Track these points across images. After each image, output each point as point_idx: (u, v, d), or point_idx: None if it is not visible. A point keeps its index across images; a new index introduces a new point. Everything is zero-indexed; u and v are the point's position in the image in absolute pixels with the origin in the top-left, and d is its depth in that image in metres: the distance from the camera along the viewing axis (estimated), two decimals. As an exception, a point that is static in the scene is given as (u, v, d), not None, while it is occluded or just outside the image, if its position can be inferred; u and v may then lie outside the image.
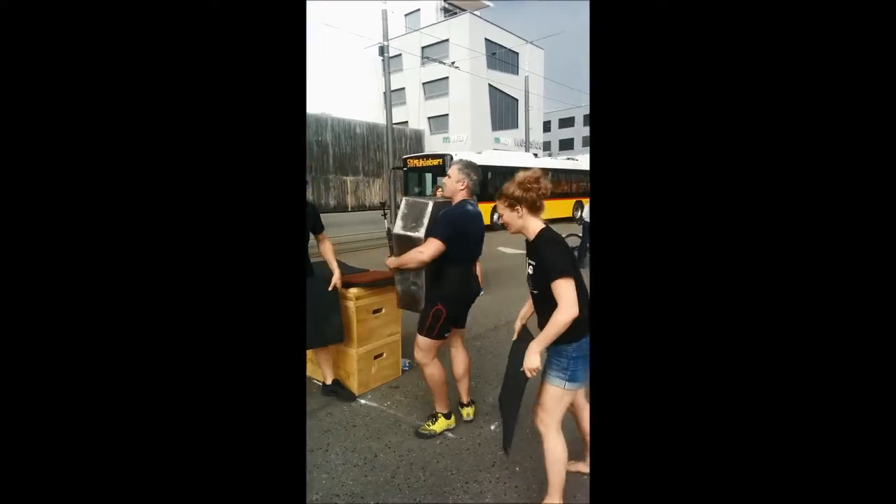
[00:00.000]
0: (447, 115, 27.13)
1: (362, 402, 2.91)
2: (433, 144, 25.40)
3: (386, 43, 14.17)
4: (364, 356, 2.99)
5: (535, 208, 1.78)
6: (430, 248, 2.26)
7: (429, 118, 27.60)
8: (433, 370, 2.47)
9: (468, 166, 2.41)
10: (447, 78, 25.94)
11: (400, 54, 23.93)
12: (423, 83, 27.54)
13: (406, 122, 26.72)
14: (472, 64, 23.05)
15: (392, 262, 2.45)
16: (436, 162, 13.57)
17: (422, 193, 13.97)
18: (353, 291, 2.91)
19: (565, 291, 1.58)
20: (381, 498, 2.00)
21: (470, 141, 23.68)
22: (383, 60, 14.33)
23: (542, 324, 1.74)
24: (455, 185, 2.38)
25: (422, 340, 2.42)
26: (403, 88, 27.35)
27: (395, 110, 17.11)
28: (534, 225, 1.79)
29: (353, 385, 2.97)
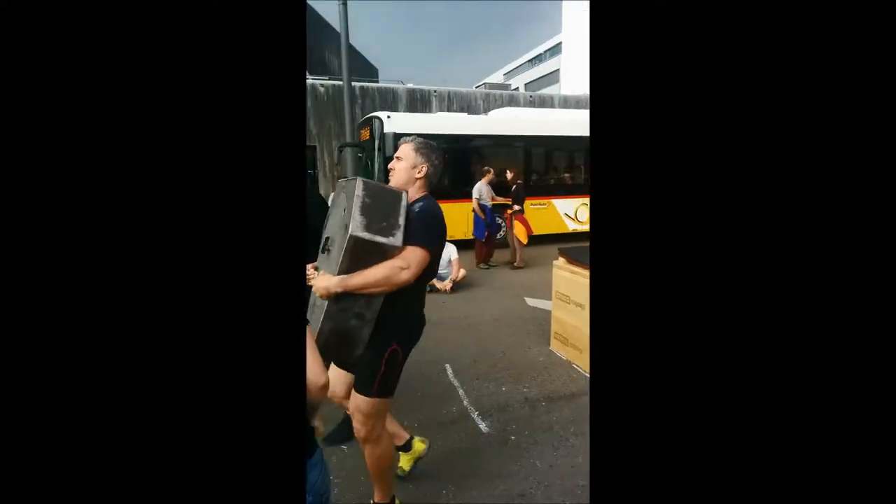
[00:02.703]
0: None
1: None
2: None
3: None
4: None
5: None
6: (417, 262, 1.46)
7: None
8: (386, 446, 1.66)
9: (427, 146, 1.62)
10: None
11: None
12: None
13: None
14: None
15: (343, 282, 1.42)
16: (363, 135, 8.24)
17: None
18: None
19: None
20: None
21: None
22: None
23: None
24: (410, 173, 1.58)
25: (370, 404, 1.56)
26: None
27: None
28: None
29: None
